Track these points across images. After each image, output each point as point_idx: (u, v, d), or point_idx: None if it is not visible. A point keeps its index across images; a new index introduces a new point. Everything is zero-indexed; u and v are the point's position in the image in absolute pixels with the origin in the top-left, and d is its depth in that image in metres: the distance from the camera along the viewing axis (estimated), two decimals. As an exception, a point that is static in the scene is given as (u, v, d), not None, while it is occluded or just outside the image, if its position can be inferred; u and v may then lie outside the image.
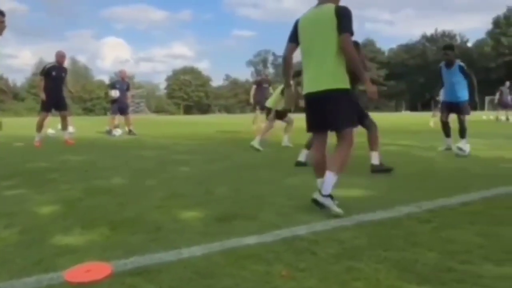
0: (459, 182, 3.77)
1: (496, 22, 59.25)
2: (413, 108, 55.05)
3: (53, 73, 7.95)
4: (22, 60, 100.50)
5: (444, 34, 66.01)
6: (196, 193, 3.44)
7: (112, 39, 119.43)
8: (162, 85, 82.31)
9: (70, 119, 9.43)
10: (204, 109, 74.76)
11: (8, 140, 8.81)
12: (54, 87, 7.95)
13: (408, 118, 24.13)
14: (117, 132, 11.10)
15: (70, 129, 9.60)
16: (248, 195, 3.34)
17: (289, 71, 3.07)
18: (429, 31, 69.23)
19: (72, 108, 20.81)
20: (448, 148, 6.41)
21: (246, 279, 1.71)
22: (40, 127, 8.02)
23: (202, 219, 2.66)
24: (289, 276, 1.73)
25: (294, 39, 2.91)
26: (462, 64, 6.18)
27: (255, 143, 6.74)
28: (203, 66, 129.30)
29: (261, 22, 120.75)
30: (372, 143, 4.45)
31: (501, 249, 2.01)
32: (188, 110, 72.26)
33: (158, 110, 63.09)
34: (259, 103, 10.63)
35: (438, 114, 8.78)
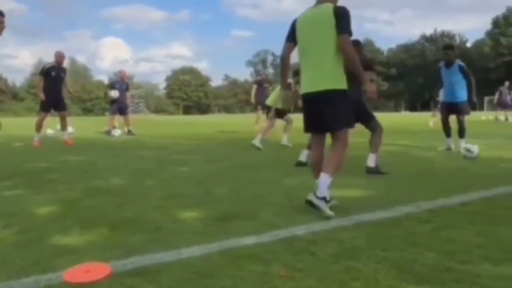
0: (458, 182, 3.77)
1: (495, 22, 59.30)
2: (412, 108, 55.07)
3: (52, 73, 7.94)
4: (21, 60, 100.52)
5: (443, 34, 66.06)
6: (196, 193, 3.43)
7: (111, 39, 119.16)
8: (162, 85, 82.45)
9: (69, 119, 9.43)
10: (204, 109, 74.76)
11: (8, 140, 8.81)
12: (53, 87, 7.94)
13: (408, 118, 24.16)
14: (116, 132, 11.09)
15: (69, 129, 9.60)
16: (247, 195, 3.34)
17: (287, 71, 3.06)
18: (428, 31, 69.26)
19: (71, 108, 20.83)
20: (448, 148, 6.41)
21: (244, 279, 1.71)
22: (39, 127, 8.02)
23: (201, 219, 2.66)
24: (288, 276, 1.73)
25: (291, 38, 2.89)
26: (462, 63, 6.19)
27: (256, 141, 6.76)
28: (202, 66, 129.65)
29: (260, 23, 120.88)
30: (374, 145, 4.42)
31: (500, 249, 2.01)
32: (187, 110, 72.25)
33: (158, 110, 63.08)
34: (260, 103, 10.67)
35: (437, 114, 8.80)
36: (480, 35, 67.68)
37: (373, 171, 4.27)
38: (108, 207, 2.98)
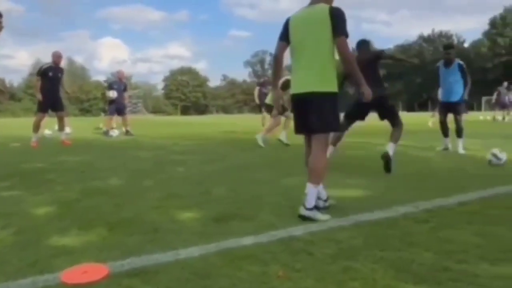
0: (456, 182, 3.78)
1: (493, 23, 59.43)
2: (410, 108, 55.17)
3: (50, 74, 7.92)
4: (18, 60, 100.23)
5: (441, 35, 66.17)
6: (194, 194, 3.43)
7: (109, 40, 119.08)
8: (160, 85, 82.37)
9: (67, 119, 9.40)
10: (202, 110, 74.72)
11: (5, 141, 8.79)
12: (50, 88, 7.93)
13: (406, 118, 24.08)
14: (114, 133, 11.07)
15: (67, 129, 9.57)
16: (245, 195, 3.34)
17: (280, 71, 3.02)
18: (426, 32, 69.28)
19: (69, 108, 20.80)
20: (446, 148, 6.43)
21: (242, 279, 1.71)
22: (37, 127, 8.00)
23: (199, 219, 2.66)
24: (286, 276, 1.73)
25: (285, 37, 2.84)
26: (461, 62, 6.21)
27: (259, 138, 6.80)
28: (200, 67, 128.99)
29: (258, 23, 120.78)
30: (395, 137, 4.52)
31: (498, 249, 2.01)
32: (185, 111, 72.20)
33: (156, 111, 62.97)
34: (264, 104, 10.75)
35: (437, 115, 8.81)
36: (478, 35, 68.03)
37: (388, 159, 4.33)
38: (106, 208, 2.98)
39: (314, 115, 2.68)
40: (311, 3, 2.79)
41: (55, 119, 8.58)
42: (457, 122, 6.28)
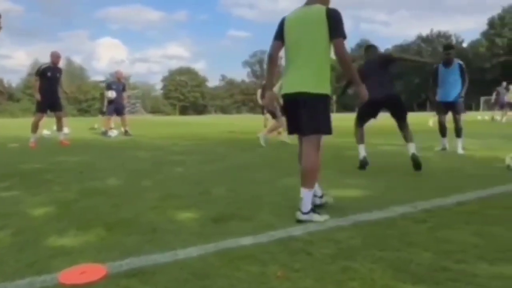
0: (454, 182, 3.78)
1: (491, 23, 59.55)
2: (409, 108, 55.05)
3: (48, 74, 7.91)
4: (17, 60, 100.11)
5: (439, 35, 66.28)
6: (192, 194, 3.43)
7: (108, 40, 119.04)
8: (158, 85, 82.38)
9: (65, 120, 9.39)
10: (200, 110, 74.72)
11: (3, 141, 8.77)
12: (49, 88, 7.92)
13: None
14: (113, 133, 11.06)
15: (65, 130, 9.56)
16: (244, 195, 3.34)
17: (274, 70, 3.00)
18: (425, 32, 69.40)
19: (67, 109, 20.77)
20: (444, 148, 6.44)
21: (241, 280, 1.71)
22: (35, 128, 7.98)
23: (198, 219, 2.65)
24: (285, 276, 1.73)
25: (280, 37, 2.82)
26: (461, 62, 6.23)
27: (261, 137, 6.80)
28: (199, 67, 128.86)
29: (256, 23, 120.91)
30: (410, 136, 4.57)
31: (496, 249, 2.01)
32: (184, 111, 72.17)
33: (154, 111, 62.95)
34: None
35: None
36: (476, 35, 68.30)
37: (418, 159, 4.38)
38: (104, 208, 2.97)
39: (307, 116, 2.66)
40: (307, 3, 2.78)
41: (53, 120, 8.57)
42: (457, 121, 6.28)
